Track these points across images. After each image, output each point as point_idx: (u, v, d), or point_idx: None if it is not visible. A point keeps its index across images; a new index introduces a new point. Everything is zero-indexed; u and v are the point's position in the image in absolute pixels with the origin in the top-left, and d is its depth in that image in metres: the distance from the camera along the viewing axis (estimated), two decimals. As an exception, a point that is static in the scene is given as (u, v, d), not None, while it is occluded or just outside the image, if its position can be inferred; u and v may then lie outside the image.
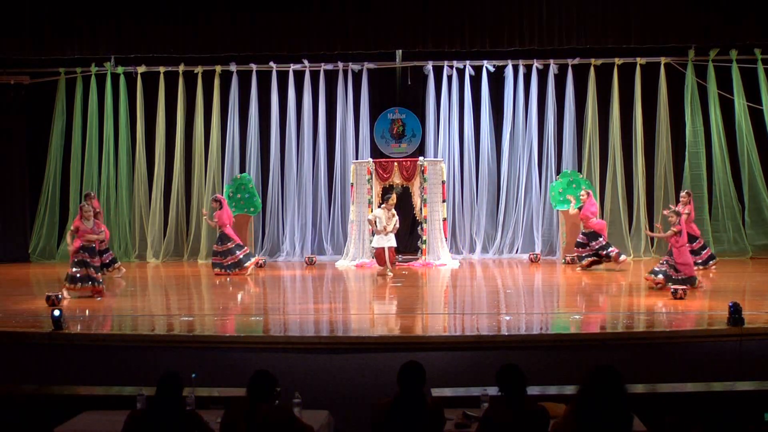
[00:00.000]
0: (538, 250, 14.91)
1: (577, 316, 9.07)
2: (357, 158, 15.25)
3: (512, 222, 15.36)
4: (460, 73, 15.45)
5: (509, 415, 4.48)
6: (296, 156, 15.60)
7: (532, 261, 14.47)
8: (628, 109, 15.01)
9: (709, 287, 10.93)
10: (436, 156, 15.11)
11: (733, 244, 14.59)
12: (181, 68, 15.47)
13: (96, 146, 15.58)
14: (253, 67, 15.48)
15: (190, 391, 5.56)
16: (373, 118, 15.74)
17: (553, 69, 15.16)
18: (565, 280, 12.47)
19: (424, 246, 14.12)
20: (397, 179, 14.29)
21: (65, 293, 10.26)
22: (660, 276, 10.38)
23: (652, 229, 13.68)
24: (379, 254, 12.88)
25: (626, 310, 9.41)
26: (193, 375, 5.71)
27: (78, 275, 10.40)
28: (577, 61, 15.05)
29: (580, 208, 13.08)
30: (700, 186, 14.66)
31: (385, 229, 12.73)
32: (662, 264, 10.56)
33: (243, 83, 15.64)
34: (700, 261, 12.39)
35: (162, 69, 15.48)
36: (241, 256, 12.87)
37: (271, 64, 15.43)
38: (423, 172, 14.19)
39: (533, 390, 5.61)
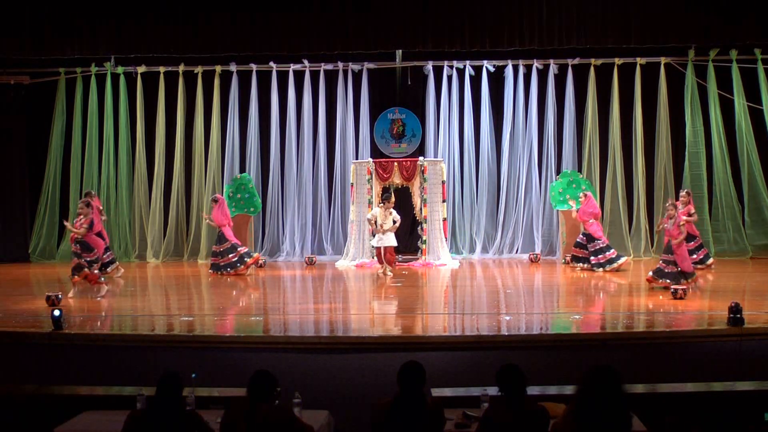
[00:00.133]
0: (538, 250, 14.92)
1: (577, 316, 9.06)
2: (357, 158, 15.26)
3: (512, 222, 15.36)
4: (460, 73, 15.45)
5: (509, 415, 4.48)
6: (296, 156, 15.60)
7: (532, 261, 14.47)
8: (628, 109, 15.01)
9: (709, 287, 10.93)
10: (436, 156, 15.12)
11: (733, 244, 14.60)
12: (181, 68, 15.47)
13: (96, 146, 15.59)
14: (253, 67, 15.49)
15: (190, 391, 5.57)
16: (373, 118, 15.75)
17: (553, 69, 15.16)
18: (565, 280, 12.46)
19: (424, 246, 14.12)
20: (397, 179, 14.29)
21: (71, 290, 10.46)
22: (666, 280, 10.38)
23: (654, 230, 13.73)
24: (378, 253, 12.90)
25: (626, 310, 9.40)
26: (193, 375, 5.71)
27: (74, 266, 10.59)
28: (577, 61, 15.05)
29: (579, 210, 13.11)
30: (700, 186, 14.66)
31: (381, 227, 12.74)
32: (662, 264, 10.57)
33: (243, 83, 15.65)
34: (697, 260, 12.39)
35: (162, 69, 15.48)
36: (235, 258, 12.87)
37: (271, 64, 15.44)
38: (423, 172, 14.19)
39: (533, 390, 5.61)
